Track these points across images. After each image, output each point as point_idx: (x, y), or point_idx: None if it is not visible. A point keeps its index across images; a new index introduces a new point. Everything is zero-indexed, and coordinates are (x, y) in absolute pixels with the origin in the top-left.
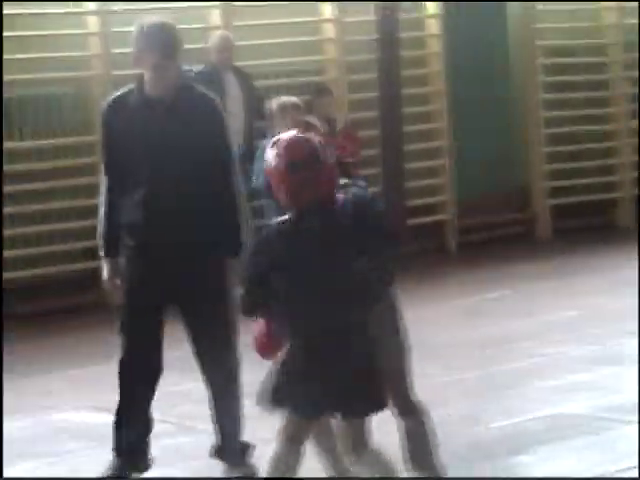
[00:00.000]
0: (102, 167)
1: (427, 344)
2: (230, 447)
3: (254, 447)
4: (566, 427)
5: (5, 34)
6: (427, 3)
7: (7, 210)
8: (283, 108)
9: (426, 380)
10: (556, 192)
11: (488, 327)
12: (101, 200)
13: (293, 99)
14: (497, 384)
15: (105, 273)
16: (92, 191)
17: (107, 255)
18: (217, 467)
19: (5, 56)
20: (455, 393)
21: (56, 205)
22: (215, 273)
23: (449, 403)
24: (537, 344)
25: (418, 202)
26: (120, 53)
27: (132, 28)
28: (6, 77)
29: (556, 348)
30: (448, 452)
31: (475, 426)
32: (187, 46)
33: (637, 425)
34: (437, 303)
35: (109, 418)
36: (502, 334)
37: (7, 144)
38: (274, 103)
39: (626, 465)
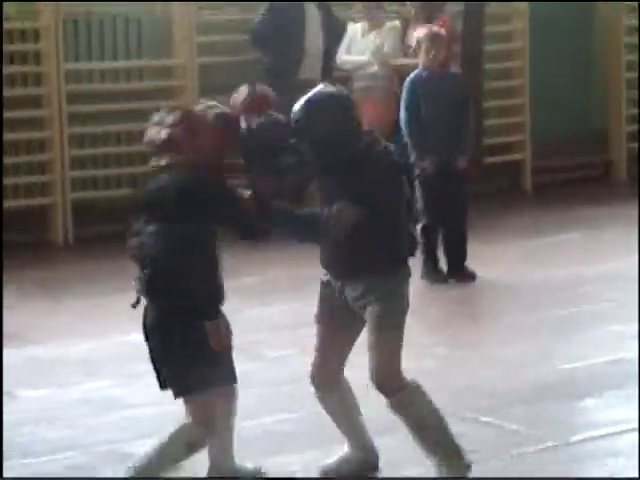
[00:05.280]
0: None
1: (498, 284)
2: None
3: None
4: (632, 373)
5: None
6: None
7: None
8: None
9: (494, 320)
10: (634, 136)
11: (557, 270)
12: None
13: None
14: (563, 327)
15: None
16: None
17: None
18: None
19: None
20: (521, 334)
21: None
22: None
23: (517, 343)
24: (604, 289)
25: (495, 141)
26: None
27: None
28: None
29: (623, 293)
30: (513, 392)
31: (541, 367)
32: None
33: None
34: (507, 243)
35: None
36: (570, 277)
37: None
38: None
39: None
